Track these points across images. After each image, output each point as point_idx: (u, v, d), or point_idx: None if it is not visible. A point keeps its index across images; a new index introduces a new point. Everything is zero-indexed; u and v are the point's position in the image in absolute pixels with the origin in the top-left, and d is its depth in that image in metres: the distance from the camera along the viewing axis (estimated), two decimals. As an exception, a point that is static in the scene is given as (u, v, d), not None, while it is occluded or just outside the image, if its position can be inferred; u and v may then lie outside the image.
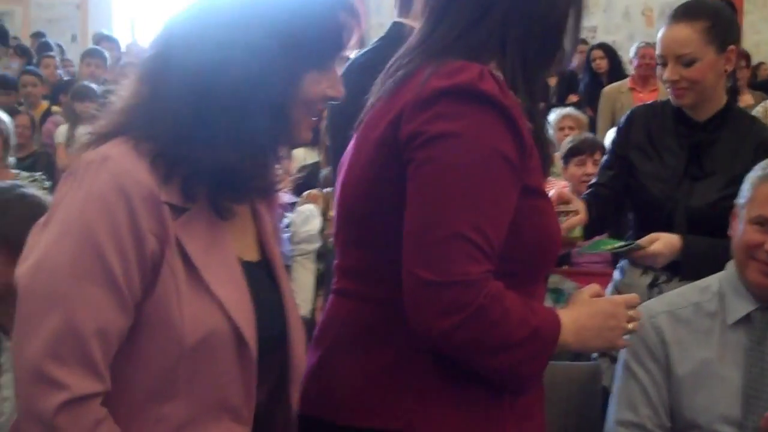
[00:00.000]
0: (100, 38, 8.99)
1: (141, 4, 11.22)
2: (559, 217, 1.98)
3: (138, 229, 1.24)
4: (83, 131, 5.24)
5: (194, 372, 1.28)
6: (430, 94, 1.32)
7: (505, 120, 1.31)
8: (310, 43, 1.33)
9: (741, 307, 1.89)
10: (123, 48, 9.16)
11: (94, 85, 5.97)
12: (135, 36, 10.85)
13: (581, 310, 1.43)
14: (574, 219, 2.14)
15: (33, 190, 2.16)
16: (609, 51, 7.56)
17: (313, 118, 1.41)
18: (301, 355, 1.45)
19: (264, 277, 1.43)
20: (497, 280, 1.31)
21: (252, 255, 1.42)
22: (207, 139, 1.29)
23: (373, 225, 1.41)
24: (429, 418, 1.36)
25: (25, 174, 3.94)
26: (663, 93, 5.80)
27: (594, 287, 1.49)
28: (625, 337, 1.48)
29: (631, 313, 1.46)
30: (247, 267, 1.37)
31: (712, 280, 1.97)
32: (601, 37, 9.12)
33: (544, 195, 1.46)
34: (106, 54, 7.55)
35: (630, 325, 1.46)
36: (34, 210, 2.02)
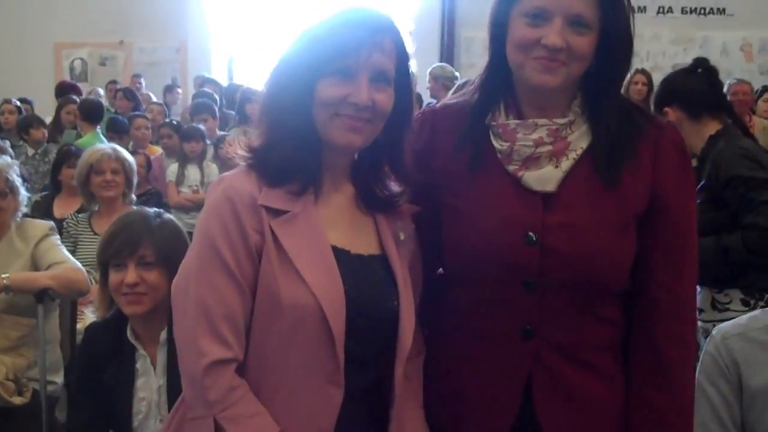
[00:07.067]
0: (204, 81, 9.10)
1: (238, 46, 11.44)
2: None
3: (242, 226, 1.54)
4: (192, 170, 5.55)
5: (295, 339, 1.54)
6: None
7: None
8: (321, 54, 1.56)
9: None
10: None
11: (201, 126, 6.30)
12: (233, 76, 11.09)
13: None
14: None
15: (169, 216, 2.42)
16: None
17: (345, 120, 1.57)
18: (408, 338, 1.64)
19: (378, 268, 1.65)
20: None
21: (371, 250, 1.67)
22: (274, 142, 1.60)
23: None
24: None
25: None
26: (758, 129, 5.69)
27: None
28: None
29: None
30: (359, 259, 1.63)
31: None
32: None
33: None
34: (216, 97, 7.87)
35: None
36: (179, 232, 2.32)
